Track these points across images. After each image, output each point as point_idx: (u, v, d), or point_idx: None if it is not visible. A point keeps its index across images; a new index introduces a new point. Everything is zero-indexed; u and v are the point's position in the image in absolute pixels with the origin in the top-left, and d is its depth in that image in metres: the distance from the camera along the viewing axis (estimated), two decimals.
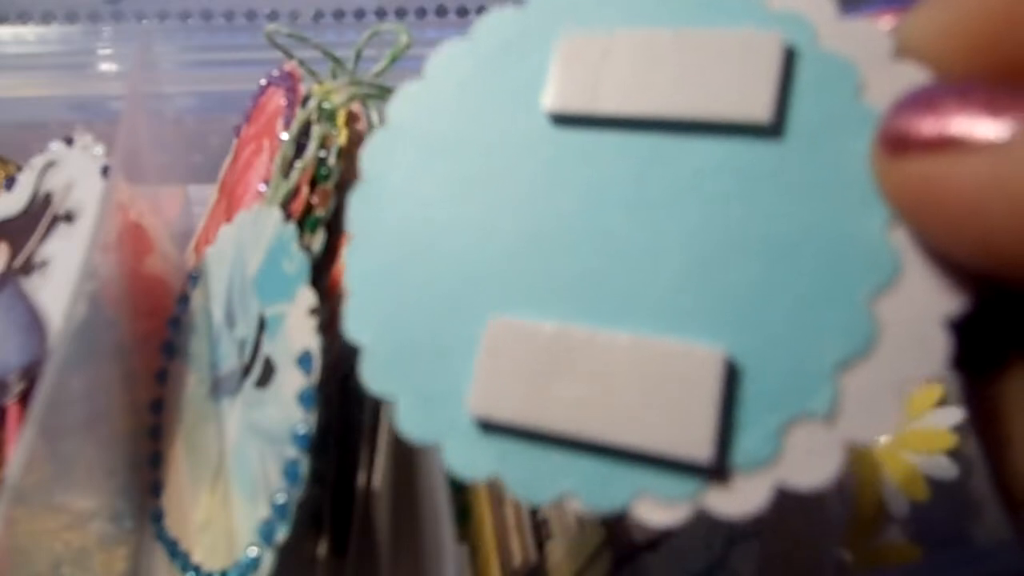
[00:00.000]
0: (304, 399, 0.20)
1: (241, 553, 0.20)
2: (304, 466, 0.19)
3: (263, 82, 0.30)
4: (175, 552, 0.23)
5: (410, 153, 0.13)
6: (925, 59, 0.11)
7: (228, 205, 0.28)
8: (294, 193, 0.24)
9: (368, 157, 0.14)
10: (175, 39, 0.39)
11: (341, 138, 0.25)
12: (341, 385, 0.23)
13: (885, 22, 0.11)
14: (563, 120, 0.13)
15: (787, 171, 0.11)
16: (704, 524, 0.27)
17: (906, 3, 0.11)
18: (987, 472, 0.11)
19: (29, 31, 0.39)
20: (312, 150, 0.24)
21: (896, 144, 0.10)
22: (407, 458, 0.23)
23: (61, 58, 0.39)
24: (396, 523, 0.23)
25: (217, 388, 0.24)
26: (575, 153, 0.12)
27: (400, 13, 0.46)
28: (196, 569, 0.22)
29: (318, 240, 0.23)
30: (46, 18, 0.46)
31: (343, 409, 0.23)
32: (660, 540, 0.27)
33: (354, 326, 0.13)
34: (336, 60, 0.28)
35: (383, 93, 0.27)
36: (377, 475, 0.23)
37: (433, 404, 0.12)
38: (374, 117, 0.27)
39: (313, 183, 0.24)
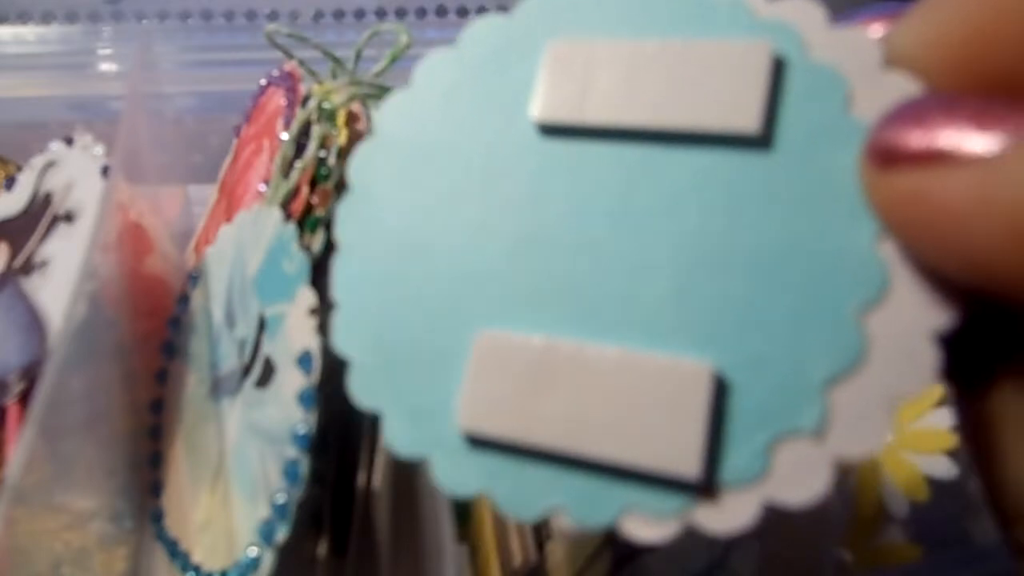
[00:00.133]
0: (304, 399, 0.20)
1: (241, 553, 0.20)
2: (304, 466, 0.19)
3: (263, 82, 0.30)
4: (175, 552, 0.23)
5: (397, 163, 0.13)
6: (914, 69, 0.10)
7: (228, 205, 0.28)
8: (294, 193, 0.24)
9: (355, 167, 0.13)
10: (175, 39, 0.39)
11: (341, 138, 0.25)
12: (341, 385, 0.23)
13: (875, 30, 0.11)
14: (550, 130, 0.12)
15: (776, 183, 0.11)
16: None
17: (897, 11, 0.11)
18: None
19: (29, 31, 0.39)
20: (312, 150, 0.24)
21: (884, 157, 0.10)
22: None
23: (61, 58, 0.39)
24: (396, 523, 0.23)
25: (217, 388, 0.24)
26: (563, 164, 0.12)
27: (400, 13, 0.46)
28: (196, 569, 0.22)
29: (318, 240, 0.23)
30: (46, 18, 0.46)
31: (343, 409, 0.23)
32: None
33: (342, 339, 0.13)
34: (336, 60, 0.28)
35: (383, 93, 0.27)
36: (377, 475, 0.23)
37: (421, 418, 0.12)
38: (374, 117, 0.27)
39: (313, 183, 0.24)
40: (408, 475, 0.23)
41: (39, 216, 0.30)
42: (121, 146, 0.27)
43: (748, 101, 0.11)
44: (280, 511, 0.19)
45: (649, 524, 0.11)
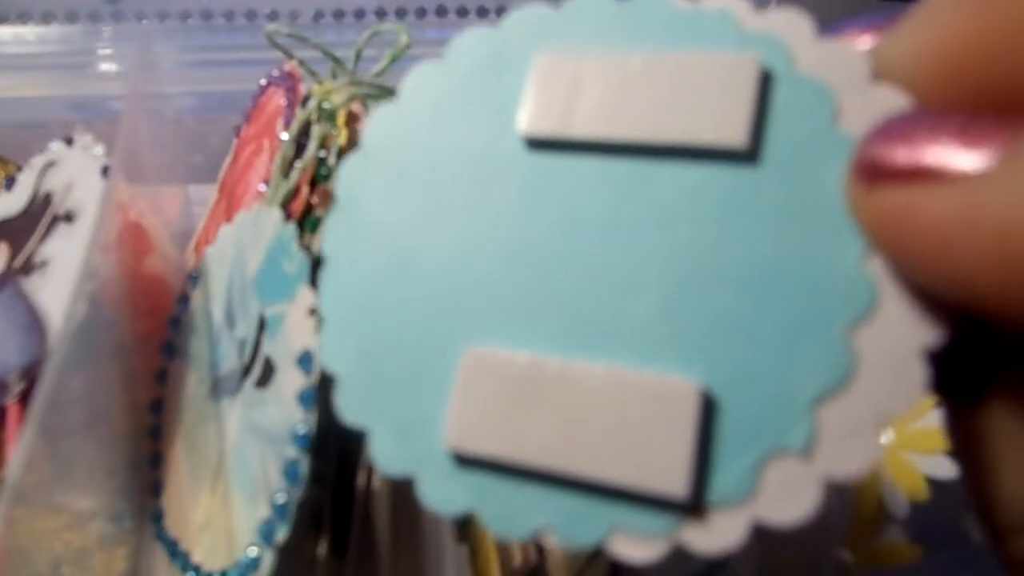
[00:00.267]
0: (304, 399, 0.20)
1: (241, 553, 0.20)
2: (304, 466, 0.19)
3: (263, 82, 0.30)
4: (175, 552, 0.23)
5: (385, 176, 0.13)
6: (903, 81, 0.10)
7: (228, 205, 0.28)
8: (294, 193, 0.24)
9: (343, 181, 0.13)
10: (175, 39, 0.39)
11: (341, 138, 0.25)
12: None
13: (864, 42, 0.11)
14: (538, 144, 0.12)
15: (763, 198, 0.11)
16: None
17: (886, 22, 0.11)
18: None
19: (29, 31, 0.40)
20: (312, 150, 0.24)
21: (870, 174, 0.10)
22: None
23: (61, 58, 0.39)
24: (396, 523, 0.23)
25: (217, 388, 0.24)
26: (550, 178, 0.12)
27: (400, 13, 0.46)
28: (196, 569, 0.22)
29: (318, 240, 0.23)
30: (46, 18, 0.46)
31: None
32: None
33: (329, 355, 0.12)
34: (336, 60, 0.28)
35: (383, 93, 0.27)
36: (377, 475, 0.23)
37: (408, 436, 0.12)
38: None
39: (313, 183, 0.24)
40: None
41: (39, 216, 0.30)
42: (121, 146, 0.27)
43: (735, 115, 0.11)
44: (280, 511, 0.19)
45: (637, 544, 0.11)
